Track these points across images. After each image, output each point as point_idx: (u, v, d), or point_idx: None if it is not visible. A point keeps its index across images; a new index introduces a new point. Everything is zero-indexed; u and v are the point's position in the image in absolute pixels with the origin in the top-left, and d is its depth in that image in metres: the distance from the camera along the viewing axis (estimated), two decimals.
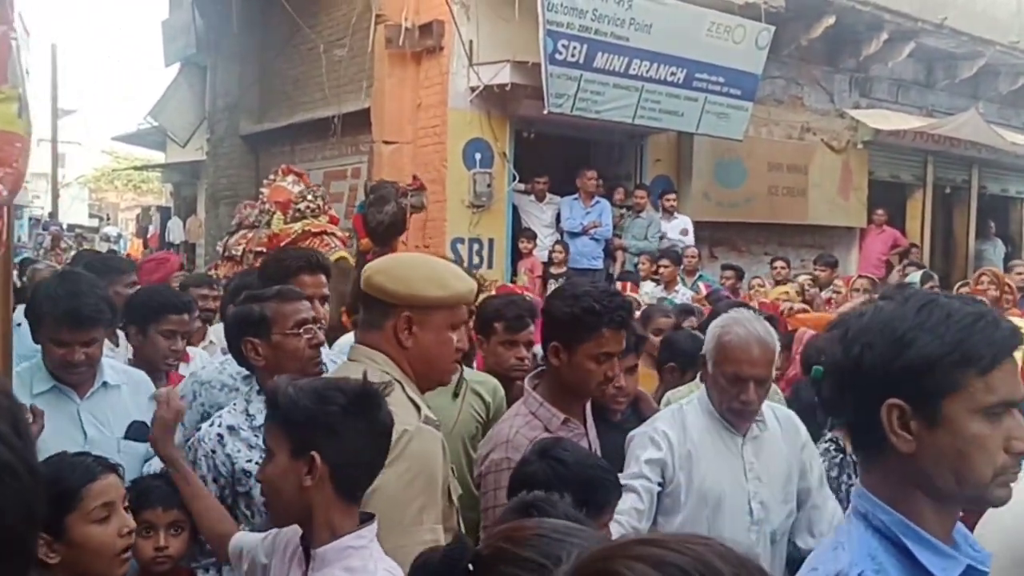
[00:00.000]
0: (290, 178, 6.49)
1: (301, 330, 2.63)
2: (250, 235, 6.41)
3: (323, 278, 3.24)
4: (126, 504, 2.15)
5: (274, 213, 6.21)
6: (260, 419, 2.49)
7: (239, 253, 6.56)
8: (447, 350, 2.20)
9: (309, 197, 6.20)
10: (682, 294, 7.92)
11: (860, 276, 7.35)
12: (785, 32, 10.37)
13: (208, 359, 3.82)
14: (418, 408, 2.12)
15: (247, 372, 2.91)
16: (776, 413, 2.79)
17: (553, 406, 2.51)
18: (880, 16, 10.97)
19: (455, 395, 3.03)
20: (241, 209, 6.86)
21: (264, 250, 5.83)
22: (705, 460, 2.62)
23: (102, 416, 2.80)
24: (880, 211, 11.90)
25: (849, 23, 10.92)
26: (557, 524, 1.15)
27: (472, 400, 3.07)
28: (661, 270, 8.54)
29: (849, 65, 11.88)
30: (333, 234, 6.07)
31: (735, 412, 2.62)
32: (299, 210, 6.11)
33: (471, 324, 3.62)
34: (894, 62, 11.95)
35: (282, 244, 5.64)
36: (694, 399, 2.75)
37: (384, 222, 5.55)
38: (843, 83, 12.01)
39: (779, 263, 9.28)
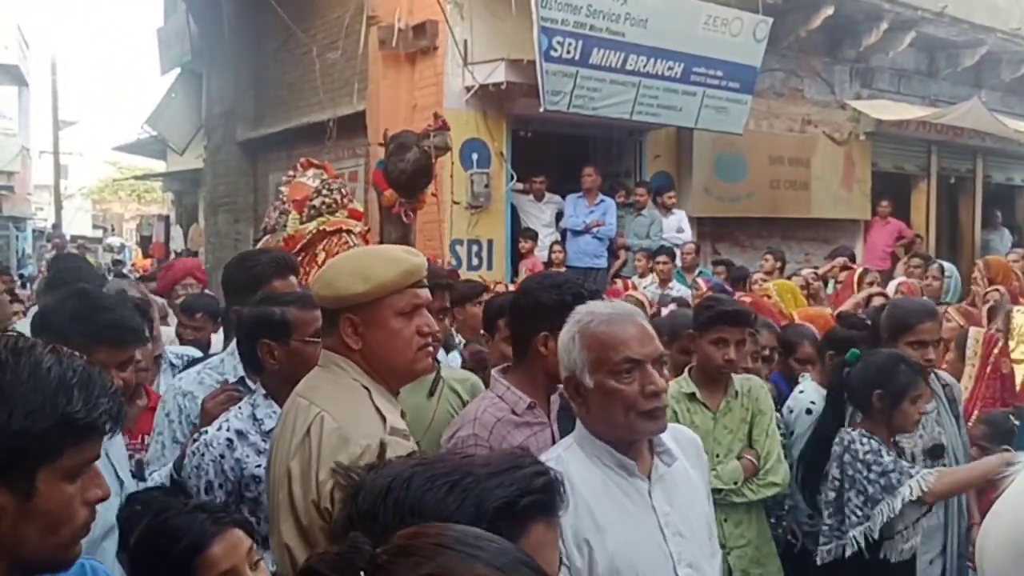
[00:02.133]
0: (311, 172, 5.81)
1: (320, 338, 2.53)
2: (271, 240, 5.73)
3: (293, 279, 3.15)
4: (258, 557, 1.90)
5: (290, 213, 5.58)
6: (268, 424, 2.47)
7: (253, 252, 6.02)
8: (400, 341, 2.09)
9: (324, 192, 5.53)
10: (677, 290, 7.83)
11: (869, 271, 7.22)
12: (783, 24, 10.27)
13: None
14: (384, 418, 2.02)
15: (234, 380, 2.85)
16: (676, 435, 2.22)
17: (520, 391, 2.48)
18: (879, 5, 10.88)
19: (431, 393, 2.94)
20: (269, 212, 6.13)
21: None
22: (611, 527, 1.99)
23: (122, 458, 2.52)
24: (884, 203, 11.78)
25: (848, 13, 10.82)
26: (466, 532, 1.02)
27: (449, 397, 2.99)
28: (659, 266, 8.45)
29: (849, 56, 11.78)
30: (351, 231, 5.45)
31: (646, 415, 2.00)
32: (314, 207, 5.44)
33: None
34: (895, 52, 11.84)
35: (298, 245, 5.23)
36: (570, 443, 2.12)
37: (407, 170, 5.21)
38: (843, 74, 11.90)
39: (768, 256, 9.10)
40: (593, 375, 2.01)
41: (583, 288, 2.58)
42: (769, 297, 6.12)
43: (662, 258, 8.53)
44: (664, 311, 4.70)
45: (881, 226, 11.74)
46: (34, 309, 5.35)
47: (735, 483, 3.28)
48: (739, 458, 3.35)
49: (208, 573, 1.78)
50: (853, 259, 9.15)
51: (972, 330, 4.52)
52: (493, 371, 2.64)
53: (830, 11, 10.45)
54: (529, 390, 2.49)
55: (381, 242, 5.23)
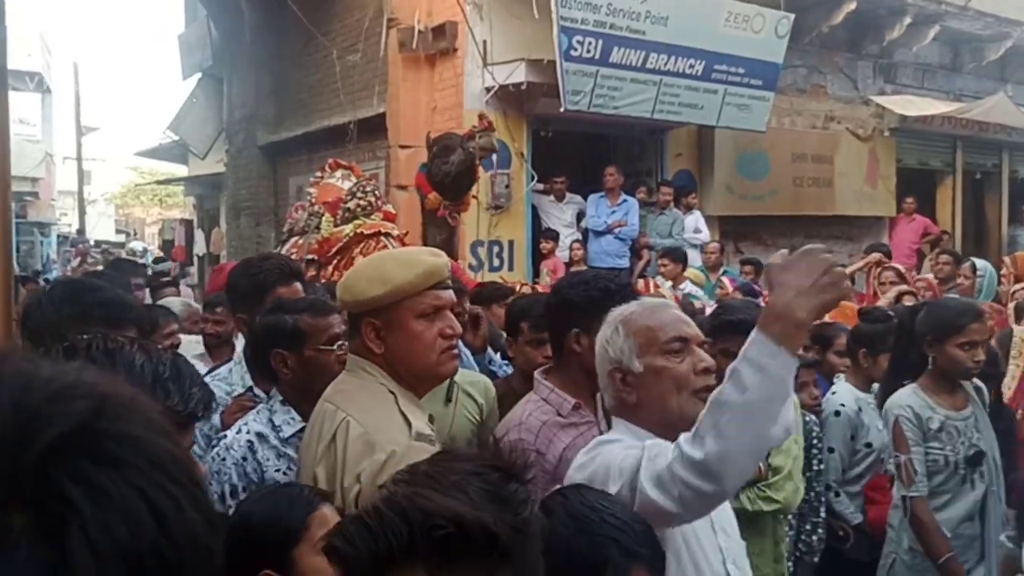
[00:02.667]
0: (339, 173, 5.76)
1: (335, 345, 2.53)
2: (300, 242, 5.63)
3: (298, 286, 3.11)
4: None
5: (323, 215, 5.46)
6: (287, 430, 2.44)
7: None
8: (422, 343, 2.07)
9: (359, 194, 5.43)
10: (688, 289, 7.79)
11: (886, 268, 7.11)
12: (805, 20, 10.18)
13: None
14: (409, 424, 2.01)
15: (241, 391, 2.82)
16: None
17: (564, 392, 2.48)
18: (902, 0, 10.75)
19: (448, 400, 2.91)
20: (292, 214, 6.13)
21: (315, 257, 5.30)
22: None
23: None
24: (910, 199, 11.66)
25: (871, 8, 10.71)
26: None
27: (465, 402, 2.97)
28: (663, 269, 8.40)
29: (872, 51, 11.66)
30: (389, 234, 5.33)
31: (699, 394, 1.94)
32: (349, 209, 5.36)
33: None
34: (919, 46, 11.71)
35: (333, 249, 5.20)
36: (614, 437, 2.02)
37: (451, 173, 5.06)
38: (867, 70, 11.78)
39: (747, 268, 8.95)
40: (642, 358, 2.00)
41: (611, 282, 2.59)
42: None
43: (665, 261, 8.48)
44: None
45: (907, 223, 11.61)
46: None
47: None
48: None
49: (319, 530, 1.74)
50: (889, 255, 9.00)
51: (1017, 329, 4.45)
52: (536, 373, 2.62)
53: (853, 6, 10.34)
54: (572, 390, 2.48)
55: (425, 245, 5.17)
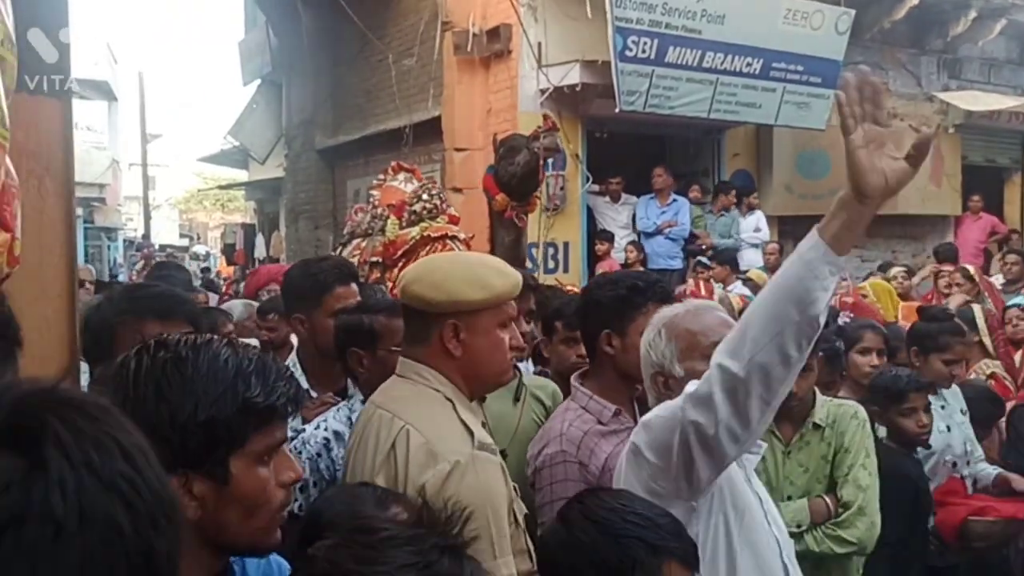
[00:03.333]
0: (401, 176, 5.74)
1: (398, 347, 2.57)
2: (363, 244, 5.57)
3: (355, 287, 3.14)
4: None
5: (387, 218, 5.40)
6: None
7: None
8: (500, 352, 2.08)
9: (424, 196, 5.38)
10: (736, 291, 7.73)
11: (955, 270, 6.95)
12: (867, 15, 9.99)
13: None
14: (471, 433, 1.96)
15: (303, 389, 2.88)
16: None
17: (603, 399, 2.45)
18: None
19: (516, 399, 2.91)
20: (352, 216, 6.06)
21: (380, 259, 5.29)
22: (746, 508, 2.06)
23: None
24: (976, 197, 11.36)
25: (934, 3, 10.48)
26: None
27: (532, 404, 2.96)
28: (697, 276, 8.35)
29: (936, 46, 11.39)
30: (455, 237, 5.29)
31: None
32: (415, 212, 5.32)
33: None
34: (984, 41, 11.41)
35: (399, 251, 5.18)
36: None
37: (517, 173, 5.06)
38: (930, 65, 11.51)
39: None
40: (683, 363, 2.01)
41: (639, 280, 2.58)
42: (865, 297, 5.99)
43: (699, 269, 8.43)
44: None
45: (972, 222, 11.32)
46: None
47: (797, 526, 2.76)
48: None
49: None
50: (955, 257, 8.78)
51: None
52: (573, 379, 2.59)
53: (915, 1, 10.13)
54: (611, 395, 2.46)
55: (493, 247, 5.20)
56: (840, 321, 3.73)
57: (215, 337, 1.33)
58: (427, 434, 1.92)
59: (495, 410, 2.17)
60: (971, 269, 6.73)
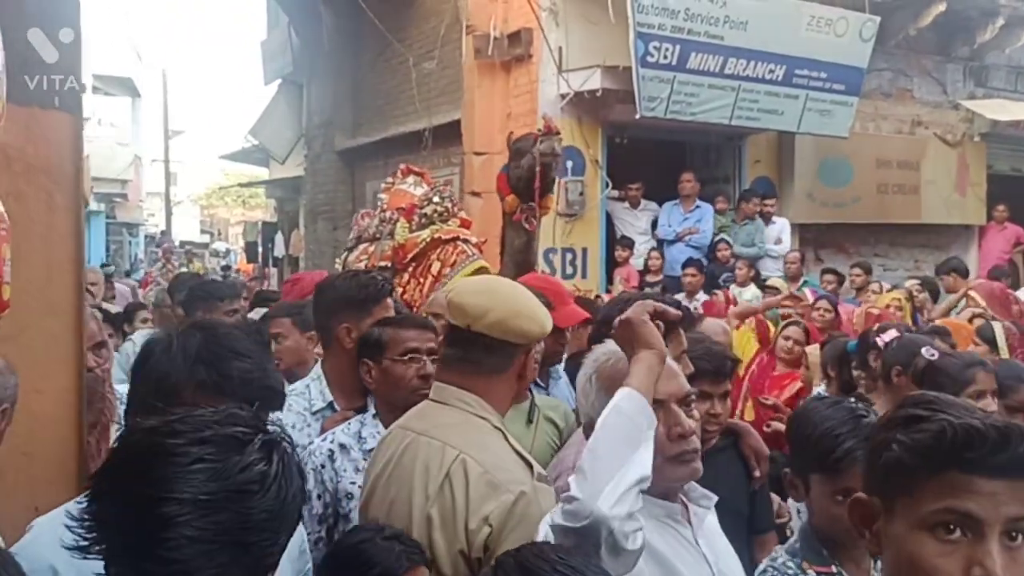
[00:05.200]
0: (410, 179, 5.64)
1: (407, 357, 2.61)
2: (372, 248, 5.45)
3: (390, 302, 3.13)
4: None
5: (397, 221, 5.29)
6: (371, 443, 2.48)
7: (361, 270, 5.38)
8: (532, 375, 2.17)
9: (435, 199, 5.29)
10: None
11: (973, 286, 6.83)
12: (892, 22, 9.87)
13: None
14: (529, 464, 1.94)
15: (322, 406, 2.86)
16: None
17: None
18: (995, 1, 10.35)
19: (529, 421, 2.88)
20: (359, 220, 5.95)
21: (389, 264, 5.19)
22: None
23: None
24: (1001, 207, 11.20)
25: (961, 9, 10.33)
26: None
27: (545, 427, 2.93)
28: (686, 279, 8.31)
29: (962, 53, 11.25)
30: (467, 240, 5.19)
31: (675, 460, 1.86)
32: (425, 215, 5.22)
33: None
34: (1012, 48, 11.25)
35: (409, 255, 5.11)
36: None
37: (522, 176, 4.98)
38: (956, 73, 11.37)
39: (858, 270, 8.65)
40: None
41: (659, 302, 2.53)
42: (889, 307, 5.92)
43: (691, 271, 8.36)
44: (884, 338, 3.81)
45: (997, 231, 11.17)
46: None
47: None
48: None
49: None
50: (965, 272, 8.67)
51: None
52: None
53: (942, 7, 9.99)
54: None
55: (503, 249, 5.16)
56: (928, 354, 3.31)
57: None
58: (485, 464, 1.88)
59: (510, 432, 2.15)
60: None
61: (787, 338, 5.07)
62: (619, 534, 1.59)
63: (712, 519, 2.01)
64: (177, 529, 1.06)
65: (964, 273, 8.51)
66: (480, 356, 2.03)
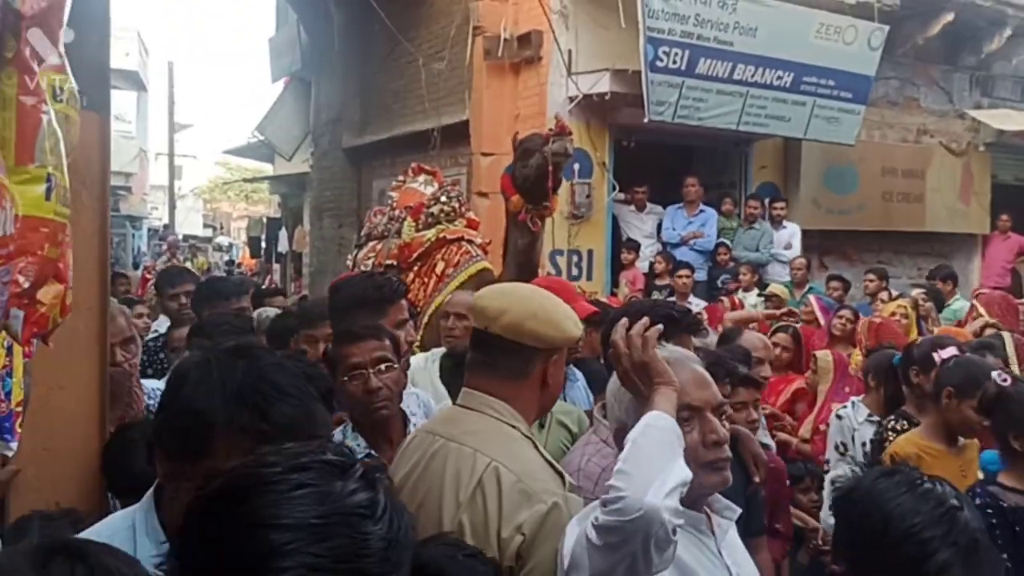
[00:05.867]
0: (421, 178, 5.62)
1: (347, 376, 2.57)
2: (379, 246, 5.46)
3: (403, 303, 3.16)
4: None
5: (404, 220, 5.30)
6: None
7: (370, 268, 5.41)
8: (560, 383, 2.17)
9: (443, 199, 5.28)
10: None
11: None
12: (900, 31, 9.90)
13: None
14: (560, 475, 1.95)
15: None
16: None
17: None
18: (1003, 11, 10.38)
19: (541, 426, 2.88)
20: (371, 218, 5.94)
21: (395, 262, 5.19)
22: None
23: None
24: (1005, 216, 11.22)
25: (969, 19, 10.36)
26: None
27: (558, 432, 2.94)
28: (679, 280, 8.32)
29: (969, 63, 11.27)
30: (472, 241, 5.16)
31: (709, 467, 1.88)
32: (432, 214, 5.20)
33: None
34: (1018, 59, 11.28)
35: (414, 254, 5.11)
36: None
37: (530, 176, 4.91)
38: (963, 82, 11.39)
39: (872, 276, 8.66)
40: None
41: (671, 310, 2.63)
42: (893, 315, 5.93)
43: (683, 272, 8.38)
44: (942, 354, 3.69)
45: (1001, 241, 11.20)
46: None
47: None
48: None
49: None
50: (955, 280, 8.73)
51: None
52: (595, 410, 2.56)
53: (950, 17, 10.02)
54: None
55: (506, 249, 5.15)
56: (1000, 379, 3.03)
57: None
58: (518, 472, 1.88)
59: None
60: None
61: (775, 344, 5.06)
62: (669, 525, 1.61)
63: (734, 531, 2.01)
64: (291, 558, 0.97)
65: (954, 280, 8.59)
66: (498, 359, 2.03)
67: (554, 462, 1.98)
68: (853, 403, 4.40)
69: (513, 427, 1.99)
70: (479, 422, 2.00)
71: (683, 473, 1.67)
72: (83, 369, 2.28)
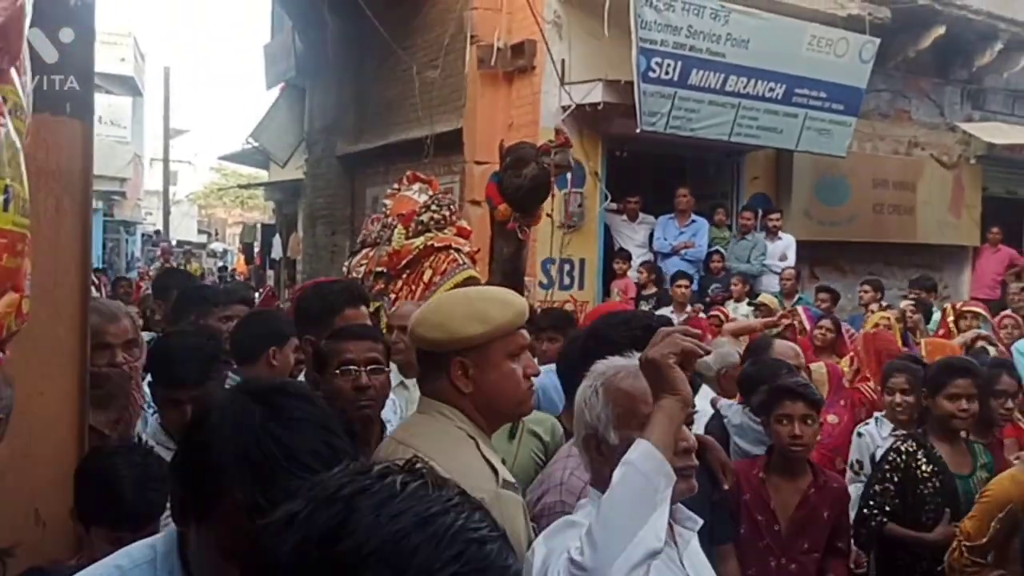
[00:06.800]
0: (416, 186, 5.56)
1: (338, 371, 2.61)
2: (372, 253, 5.45)
3: (364, 310, 3.21)
4: None
5: (395, 227, 5.27)
6: None
7: (361, 275, 5.50)
8: (512, 382, 2.06)
9: (433, 207, 5.26)
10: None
11: (965, 309, 6.85)
12: (892, 44, 9.95)
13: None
14: (495, 470, 1.96)
15: None
16: None
17: None
18: (994, 25, 10.44)
19: (511, 436, 2.87)
20: (367, 225, 5.92)
21: (384, 269, 5.19)
22: None
23: None
24: (995, 229, 11.27)
25: (960, 33, 10.42)
26: None
27: (529, 442, 2.91)
28: (677, 290, 8.37)
29: (960, 76, 11.34)
30: (460, 249, 5.13)
31: (678, 475, 1.82)
32: (422, 222, 5.17)
33: None
34: (1009, 72, 11.34)
35: (403, 261, 5.09)
36: (591, 510, 1.88)
37: (524, 186, 4.84)
38: (954, 95, 11.46)
39: (867, 287, 8.70)
40: (619, 430, 1.89)
41: (649, 320, 2.58)
42: (877, 326, 5.94)
43: (681, 282, 8.42)
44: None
45: (991, 253, 11.25)
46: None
47: None
48: None
49: None
50: (934, 289, 8.79)
51: None
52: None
53: (941, 31, 10.08)
54: None
55: (492, 258, 5.14)
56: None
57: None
58: (451, 471, 1.82)
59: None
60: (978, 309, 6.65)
61: None
62: None
63: (696, 541, 2.01)
64: None
65: (931, 290, 8.65)
66: (420, 366, 2.13)
67: (494, 461, 1.98)
68: (877, 419, 4.39)
69: (461, 429, 2.01)
70: (429, 424, 2.05)
71: (652, 543, 1.63)
72: (62, 375, 2.29)
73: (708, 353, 1.87)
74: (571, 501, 2.16)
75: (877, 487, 3.63)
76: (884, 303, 8.41)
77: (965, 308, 6.81)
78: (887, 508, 3.58)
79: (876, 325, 6.02)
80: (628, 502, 1.64)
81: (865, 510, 3.63)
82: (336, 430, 1.35)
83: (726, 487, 2.86)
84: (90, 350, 2.53)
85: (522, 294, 4.87)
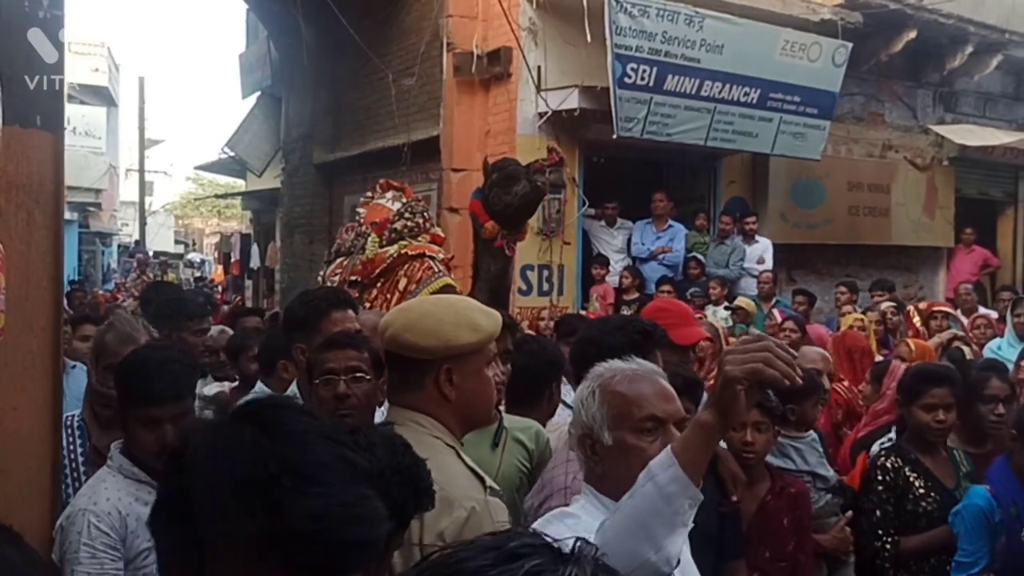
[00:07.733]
0: (389, 194, 5.55)
1: (320, 379, 2.63)
2: (345, 262, 5.41)
3: (351, 313, 3.19)
4: None
5: (369, 236, 5.23)
6: None
7: (335, 284, 5.31)
8: (489, 391, 2.12)
9: (407, 215, 5.23)
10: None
11: (934, 309, 6.92)
12: (864, 48, 10.05)
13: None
14: (481, 479, 1.98)
15: None
16: None
17: None
18: (965, 28, 10.56)
19: (494, 444, 2.84)
20: (342, 234, 5.87)
21: (358, 278, 5.15)
22: None
23: None
24: (969, 230, 11.41)
25: (932, 36, 10.53)
26: None
27: (513, 449, 2.89)
28: (663, 295, 8.36)
29: (932, 79, 11.46)
30: (434, 257, 5.09)
31: None
32: (395, 230, 5.13)
33: None
34: (980, 75, 11.48)
35: (376, 270, 5.06)
36: (584, 505, 1.95)
37: (513, 204, 4.80)
38: (926, 98, 11.58)
39: (843, 289, 8.80)
40: (613, 431, 1.91)
41: (646, 325, 2.61)
42: (851, 327, 5.99)
43: (665, 288, 8.49)
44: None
45: (965, 254, 11.37)
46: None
47: None
48: None
49: None
50: (892, 290, 8.88)
51: None
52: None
53: (913, 34, 10.18)
54: None
55: (477, 275, 5.09)
56: None
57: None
58: (438, 481, 1.87)
59: (473, 456, 2.14)
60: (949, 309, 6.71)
61: None
62: None
63: (686, 548, 1.98)
64: None
65: (891, 291, 8.85)
66: (396, 373, 2.12)
67: (476, 467, 2.01)
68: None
69: (436, 438, 2.01)
70: (406, 435, 2.00)
71: (662, 567, 1.63)
72: (36, 389, 2.26)
73: (792, 382, 1.64)
74: None
75: (878, 513, 3.45)
76: (858, 305, 8.51)
77: (935, 308, 6.87)
78: (892, 531, 3.42)
79: (851, 327, 6.06)
80: (641, 520, 1.61)
81: (877, 543, 3.43)
82: (342, 439, 1.21)
83: (735, 499, 2.83)
84: (100, 371, 2.53)
85: (508, 309, 4.89)
